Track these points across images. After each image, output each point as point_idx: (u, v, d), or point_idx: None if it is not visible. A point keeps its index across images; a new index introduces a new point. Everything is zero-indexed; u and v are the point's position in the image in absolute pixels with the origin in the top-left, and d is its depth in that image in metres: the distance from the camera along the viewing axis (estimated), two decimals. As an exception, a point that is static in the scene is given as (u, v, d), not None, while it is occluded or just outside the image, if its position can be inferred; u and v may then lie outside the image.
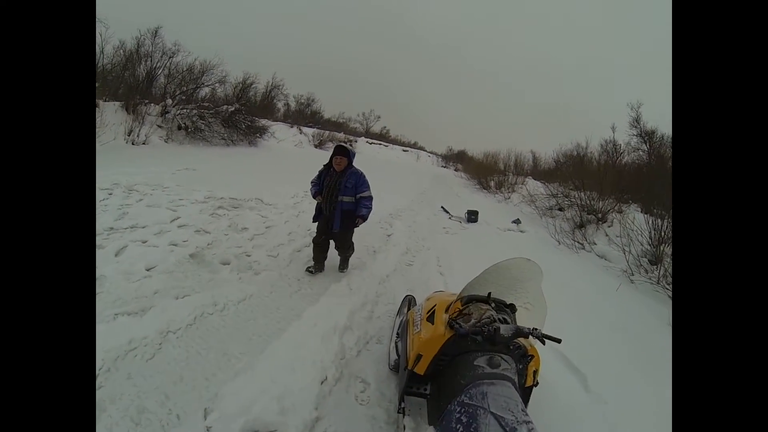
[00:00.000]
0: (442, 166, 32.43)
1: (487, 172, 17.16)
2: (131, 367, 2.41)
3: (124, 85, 11.31)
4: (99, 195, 5.10)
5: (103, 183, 5.58)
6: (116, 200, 5.06)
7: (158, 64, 12.07)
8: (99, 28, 10.09)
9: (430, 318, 2.00)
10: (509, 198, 13.28)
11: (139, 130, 9.47)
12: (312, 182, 4.01)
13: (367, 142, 28.75)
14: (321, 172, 3.95)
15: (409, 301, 3.25)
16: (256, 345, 2.85)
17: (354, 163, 3.89)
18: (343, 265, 4.28)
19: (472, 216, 8.47)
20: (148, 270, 3.67)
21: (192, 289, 3.48)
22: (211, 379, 2.40)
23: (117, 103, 10.00)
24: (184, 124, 11.09)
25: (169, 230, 4.62)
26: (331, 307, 3.36)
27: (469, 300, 1.90)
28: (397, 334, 2.71)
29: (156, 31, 11.86)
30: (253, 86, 16.87)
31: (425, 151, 37.67)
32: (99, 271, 3.46)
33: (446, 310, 1.98)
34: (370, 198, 3.80)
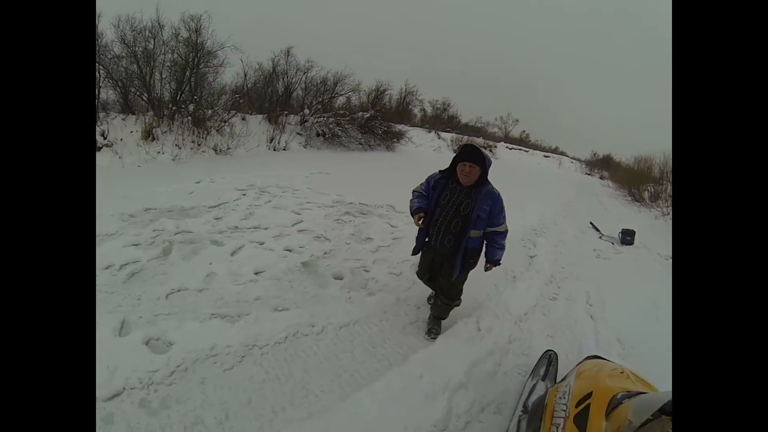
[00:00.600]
0: (586, 173, 32.97)
1: (639, 180, 16.90)
2: (207, 373, 2.62)
3: (267, 100, 14.91)
4: (233, 195, 6.23)
5: (240, 184, 6.81)
6: (247, 200, 5.99)
7: (294, 79, 15.64)
8: (239, 56, 13.17)
9: (581, 419, 1.66)
10: (668, 214, 12.24)
11: (280, 138, 12.08)
12: (415, 192, 3.03)
13: (506, 147, 29.97)
14: (434, 181, 2.98)
15: (550, 360, 2.95)
16: (342, 386, 2.58)
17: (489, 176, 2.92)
18: (436, 327, 3.34)
19: (628, 237, 8.25)
20: (256, 274, 3.96)
21: (293, 302, 3.56)
22: (279, 414, 2.33)
23: (260, 116, 13.14)
24: (322, 131, 13.73)
25: (289, 234, 5.12)
26: (449, 352, 2.95)
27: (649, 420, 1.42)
28: (524, 408, 2.45)
29: (288, 51, 15.42)
30: (386, 93, 19.29)
31: (567, 156, 38.12)
32: (212, 267, 4.09)
33: (607, 413, 1.59)
34: (506, 233, 2.97)
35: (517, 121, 43.48)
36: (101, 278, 3.78)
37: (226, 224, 5.12)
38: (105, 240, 4.39)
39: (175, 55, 12.06)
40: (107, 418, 2.30)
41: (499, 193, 2.87)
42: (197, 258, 4.26)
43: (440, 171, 3.00)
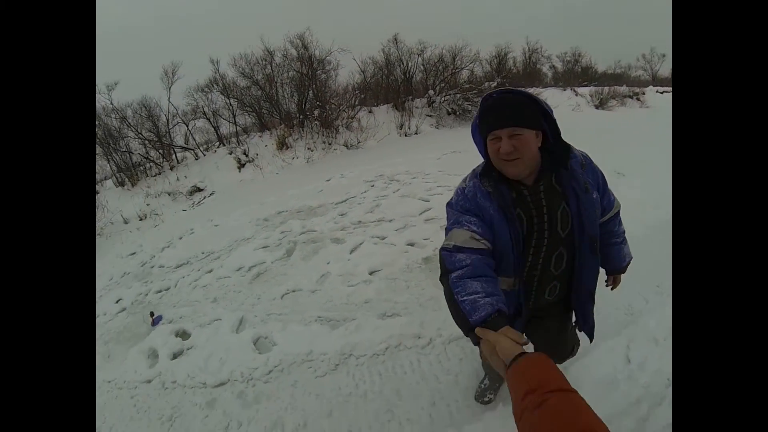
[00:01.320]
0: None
1: None
2: (300, 377, 2.90)
3: (390, 89, 15.65)
4: (360, 188, 6.50)
5: (369, 176, 7.04)
6: (374, 192, 6.15)
7: (410, 63, 15.94)
8: (349, 56, 14.45)
9: None
10: None
11: (409, 122, 12.62)
12: (450, 259, 1.42)
13: (657, 91, 25.73)
14: (479, 205, 1.50)
15: None
16: (432, 418, 2.35)
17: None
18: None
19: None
20: (370, 274, 4.02)
21: (404, 307, 3.42)
22: None
23: (387, 105, 13.99)
24: (451, 108, 13.65)
25: (414, 225, 4.97)
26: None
27: None
28: None
29: (395, 39, 15.82)
30: (508, 56, 19.29)
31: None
32: (328, 267, 4.26)
33: None
34: (620, 210, 1.88)
35: (664, 56, 36.24)
36: (232, 279, 4.32)
37: (349, 219, 5.27)
38: (241, 244, 5.09)
39: (291, 72, 14.25)
40: (210, 402, 2.89)
41: (586, 155, 1.66)
42: (316, 258, 4.50)
43: (478, 175, 1.56)
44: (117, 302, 5.33)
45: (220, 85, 14.73)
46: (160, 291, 5.05)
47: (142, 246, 8.03)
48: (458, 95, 13.87)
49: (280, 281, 4.13)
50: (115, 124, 14.36)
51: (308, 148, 11.68)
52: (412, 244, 4.51)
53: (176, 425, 2.83)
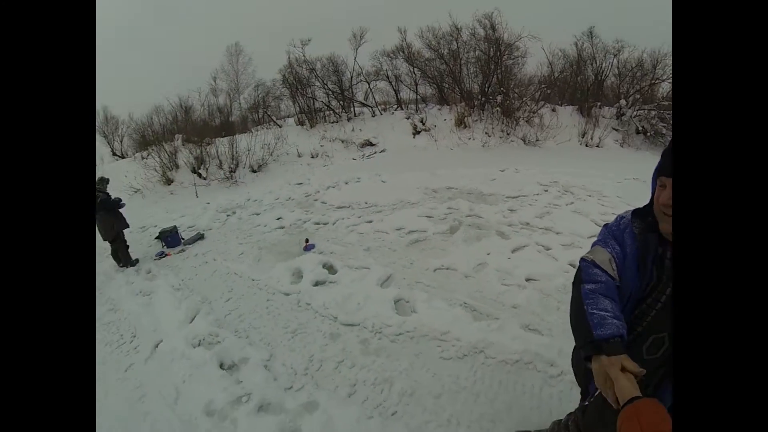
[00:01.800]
0: None
1: None
2: (426, 350, 3.02)
3: (577, 89, 13.92)
4: (534, 189, 6.16)
5: (543, 179, 6.65)
6: (547, 198, 5.79)
7: (604, 64, 13.77)
8: (538, 44, 13.14)
9: None
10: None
11: (593, 132, 11.22)
12: (589, 276, 1.39)
13: None
14: (621, 236, 1.47)
15: None
16: None
17: None
18: None
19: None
20: (527, 280, 3.84)
21: (548, 328, 3.11)
22: (451, 426, 2.41)
23: (571, 107, 12.64)
24: (642, 127, 11.80)
25: (581, 246, 4.55)
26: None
27: None
28: None
29: (590, 32, 13.67)
30: None
31: None
32: (487, 258, 4.23)
33: None
34: None
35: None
36: (390, 236, 4.69)
37: (518, 218, 5.17)
38: (405, 206, 5.40)
39: (477, 52, 13.75)
40: (334, 335, 3.25)
41: None
42: (478, 245, 4.55)
43: (634, 212, 1.48)
44: (277, 219, 6.29)
45: (405, 53, 15.29)
46: (318, 223, 5.77)
47: (310, 180, 9.10)
48: (653, 112, 12.07)
49: (437, 254, 4.32)
50: (305, 73, 16.03)
51: (486, 133, 11.53)
52: (573, 266, 4.24)
53: (296, 339, 3.26)
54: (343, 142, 12.75)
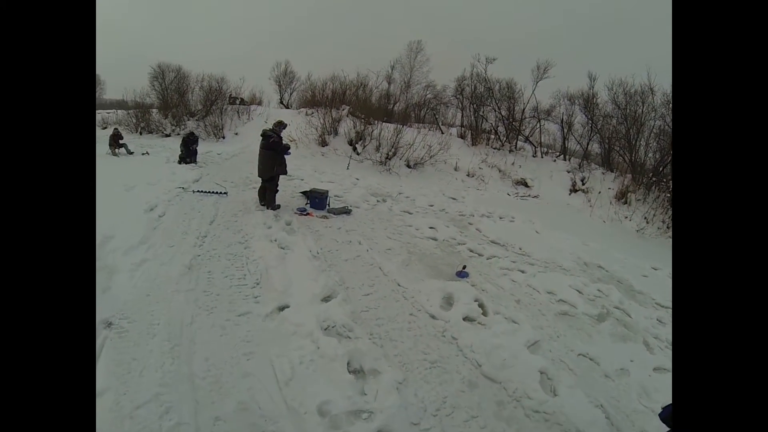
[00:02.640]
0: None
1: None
2: None
3: None
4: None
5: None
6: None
7: None
8: None
9: None
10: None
11: None
12: None
13: None
14: None
15: None
16: None
17: None
18: None
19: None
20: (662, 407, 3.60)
21: None
22: None
23: None
24: None
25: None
26: None
27: None
28: None
29: None
30: None
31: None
32: (629, 365, 3.84)
33: None
34: None
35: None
36: (541, 297, 4.53)
37: (666, 333, 4.70)
38: (556, 269, 5.16)
39: (663, 124, 12.05)
40: (473, 384, 2.99)
41: None
42: (623, 346, 4.18)
43: None
44: (430, 228, 6.28)
45: (588, 102, 14.41)
46: (472, 252, 5.60)
47: (465, 200, 9.04)
48: None
49: (583, 338, 4.05)
50: (482, 90, 15.92)
51: (645, 218, 10.42)
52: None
53: (434, 372, 3.01)
54: (500, 171, 12.49)
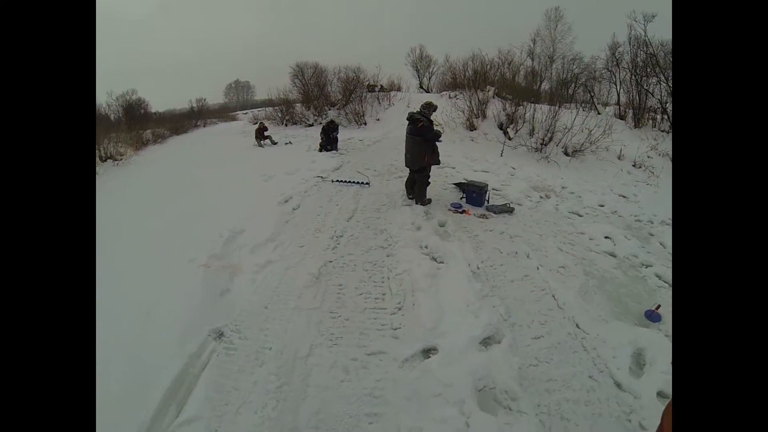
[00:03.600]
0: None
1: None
2: None
3: None
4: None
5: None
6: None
7: None
8: None
9: None
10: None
11: None
12: None
13: None
14: None
15: None
16: None
17: None
18: None
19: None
20: None
21: None
22: None
23: None
24: None
25: None
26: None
27: None
28: None
29: None
30: None
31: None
32: None
33: None
34: None
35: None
36: None
37: None
38: None
39: None
40: None
41: None
42: None
43: None
44: (606, 238, 4.69)
45: None
46: (660, 278, 3.98)
47: (637, 198, 7.16)
48: None
49: None
50: (642, 57, 12.89)
51: None
52: None
53: None
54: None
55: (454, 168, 7.17)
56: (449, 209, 5.22)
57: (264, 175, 6.63)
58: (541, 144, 9.53)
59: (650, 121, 12.13)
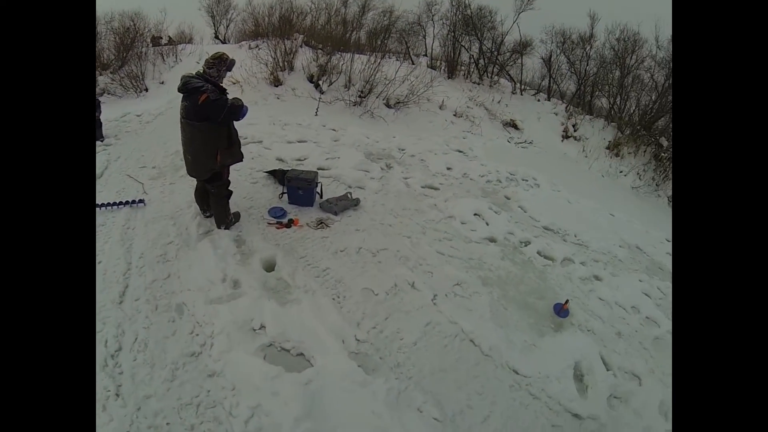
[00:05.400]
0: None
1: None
2: None
3: None
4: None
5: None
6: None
7: None
8: None
9: None
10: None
11: None
12: None
13: None
14: None
15: None
16: None
17: None
18: None
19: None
20: None
21: None
22: None
23: None
24: None
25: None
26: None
27: None
28: None
29: None
30: None
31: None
32: None
33: None
34: None
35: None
36: (630, 318, 3.51)
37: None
38: (617, 265, 4.26)
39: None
40: None
41: None
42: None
43: None
44: (475, 216, 4.42)
45: (584, 45, 12.83)
46: (542, 256, 4.31)
47: (474, 152, 7.71)
48: None
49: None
50: (459, 16, 13.83)
51: (638, 174, 9.67)
52: None
53: None
54: (487, 110, 10.67)
55: (261, 142, 5.79)
56: (269, 223, 3.78)
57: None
58: (359, 96, 9.03)
59: (461, 74, 13.38)
